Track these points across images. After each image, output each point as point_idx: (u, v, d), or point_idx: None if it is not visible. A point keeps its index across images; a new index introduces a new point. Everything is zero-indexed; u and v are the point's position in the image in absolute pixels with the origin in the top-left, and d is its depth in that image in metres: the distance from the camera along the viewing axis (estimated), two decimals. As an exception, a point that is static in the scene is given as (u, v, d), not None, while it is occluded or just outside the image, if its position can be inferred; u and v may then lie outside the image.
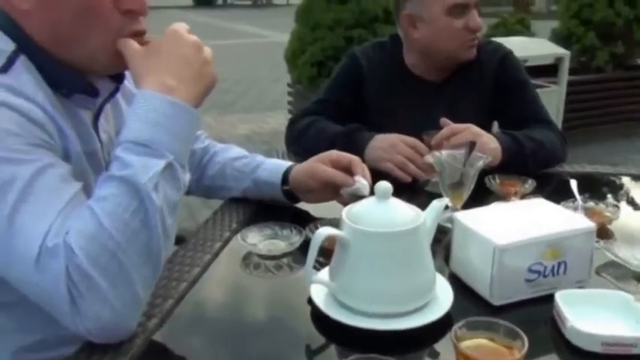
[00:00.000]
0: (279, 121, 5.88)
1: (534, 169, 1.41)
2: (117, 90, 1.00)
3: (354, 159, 1.13)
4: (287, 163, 1.22)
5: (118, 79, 0.99)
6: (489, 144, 1.35)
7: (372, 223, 0.80)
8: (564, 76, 4.65)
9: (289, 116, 4.74)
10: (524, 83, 1.64)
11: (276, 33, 16.16)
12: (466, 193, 1.12)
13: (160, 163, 0.76)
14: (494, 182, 1.30)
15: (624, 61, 5.33)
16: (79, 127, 0.92)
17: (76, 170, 0.86)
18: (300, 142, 1.59)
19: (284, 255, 1.04)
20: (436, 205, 0.88)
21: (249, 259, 1.03)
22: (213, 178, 1.26)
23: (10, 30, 0.86)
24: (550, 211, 0.97)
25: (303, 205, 1.23)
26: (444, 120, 1.37)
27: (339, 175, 1.11)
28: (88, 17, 0.84)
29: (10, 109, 0.77)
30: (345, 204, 1.17)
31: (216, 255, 1.05)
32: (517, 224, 0.90)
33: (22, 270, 0.73)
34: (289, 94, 4.53)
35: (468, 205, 1.09)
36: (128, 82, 1.06)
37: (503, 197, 1.26)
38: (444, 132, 1.34)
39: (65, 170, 0.80)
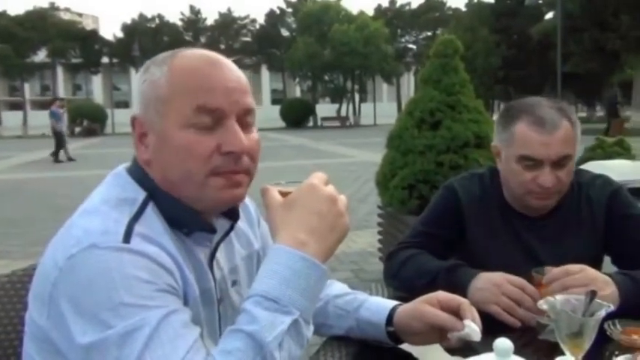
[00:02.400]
0: (367, 240, 5.88)
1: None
2: (231, 228, 1.05)
3: (464, 302, 1.10)
4: (391, 303, 1.20)
5: (233, 217, 1.04)
6: (606, 288, 1.27)
7: (492, 383, 0.76)
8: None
9: (379, 237, 4.76)
10: (637, 219, 1.56)
11: (362, 152, 16.67)
12: (587, 344, 1.04)
13: (287, 321, 0.78)
14: (614, 329, 1.20)
15: None
16: (196, 266, 0.96)
17: (193, 313, 0.88)
18: (400, 276, 1.56)
19: (391, 405, 0.99)
20: (561, 363, 0.82)
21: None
22: (314, 315, 1.25)
23: (141, 179, 0.94)
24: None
25: (406, 346, 1.18)
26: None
27: (448, 319, 1.07)
28: (188, 158, 0.89)
29: (142, 257, 0.82)
30: (451, 348, 1.13)
31: (320, 400, 1.02)
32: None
33: None
34: (379, 215, 4.56)
35: (587, 355, 1.01)
36: (241, 223, 1.11)
37: (627, 347, 1.15)
38: (556, 273, 1.27)
39: (187, 316, 0.83)
